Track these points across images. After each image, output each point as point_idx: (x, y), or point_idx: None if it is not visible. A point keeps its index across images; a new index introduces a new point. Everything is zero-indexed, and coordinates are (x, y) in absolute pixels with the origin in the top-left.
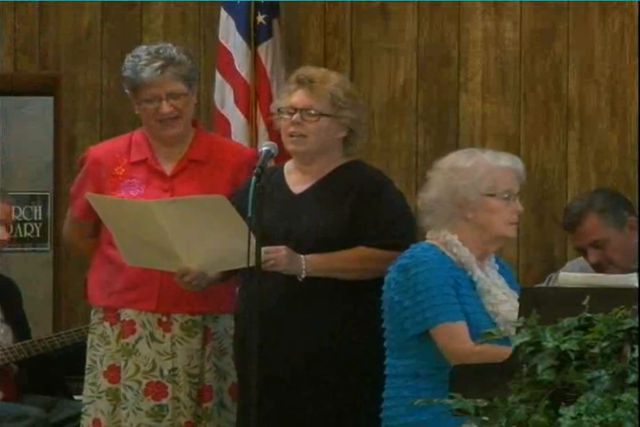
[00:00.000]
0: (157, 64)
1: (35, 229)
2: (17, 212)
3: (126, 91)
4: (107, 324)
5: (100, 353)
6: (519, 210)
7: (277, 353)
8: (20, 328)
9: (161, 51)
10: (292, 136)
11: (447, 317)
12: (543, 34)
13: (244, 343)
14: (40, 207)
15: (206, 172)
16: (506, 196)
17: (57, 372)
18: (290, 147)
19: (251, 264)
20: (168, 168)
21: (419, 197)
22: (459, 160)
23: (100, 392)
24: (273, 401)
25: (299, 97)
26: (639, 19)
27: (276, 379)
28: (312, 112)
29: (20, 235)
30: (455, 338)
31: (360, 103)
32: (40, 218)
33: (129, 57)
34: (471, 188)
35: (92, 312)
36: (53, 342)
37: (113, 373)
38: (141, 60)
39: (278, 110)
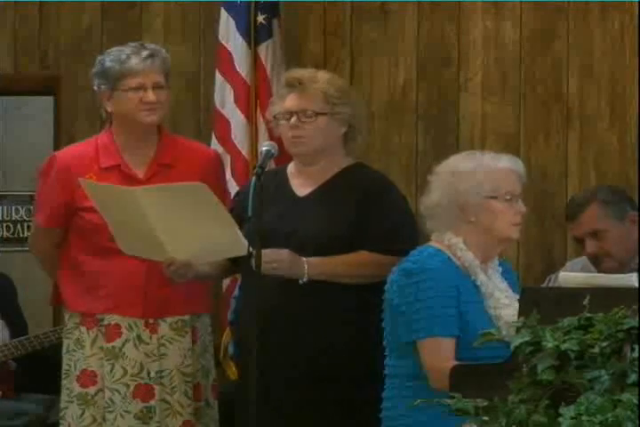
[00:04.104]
0: (145, 53)
1: None
2: (17, 212)
3: (101, 86)
4: (83, 328)
5: (74, 358)
6: (522, 211)
7: (277, 353)
8: (17, 323)
9: (145, 45)
10: (293, 139)
11: (439, 330)
12: (543, 34)
13: (243, 343)
14: None
15: (177, 174)
16: (508, 197)
17: (57, 371)
18: (292, 150)
19: (240, 254)
20: (140, 172)
21: (420, 201)
22: (459, 163)
23: (72, 397)
24: (273, 401)
25: (292, 101)
26: (639, 19)
27: (276, 378)
28: (308, 113)
29: (20, 235)
30: (439, 355)
31: (354, 98)
32: None
33: (106, 53)
34: (472, 191)
35: (67, 317)
36: (49, 337)
37: (85, 377)
38: (126, 51)
39: (275, 117)
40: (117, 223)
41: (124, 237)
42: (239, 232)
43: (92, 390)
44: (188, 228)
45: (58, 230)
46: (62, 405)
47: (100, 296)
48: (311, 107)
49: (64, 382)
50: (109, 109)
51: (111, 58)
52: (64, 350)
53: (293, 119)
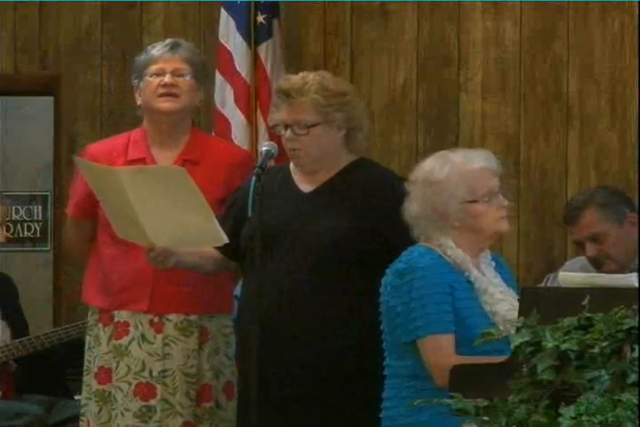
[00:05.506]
0: (168, 42)
1: (35, 229)
2: (17, 212)
3: (135, 80)
4: (100, 325)
5: (94, 354)
6: (504, 204)
7: (277, 352)
8: (18, 324)
9: (176, 40)
10: (291, 152)
11: (437, 328)
12: (543, 34)
13: (244, 342)
14: (40, 207)
15: (201, 171)
16: (486, 199)
17: (57, 372)
18: (293, 161)
19: (218, 244)
20: None
21: (403, 209)
22: (432, 171)
23: (91, 394)
24: (272, 400)
25: (284, 113)
26: (639, 19)
27: (276, 378)
28: (301, 125)
29: (20, 235)
30: (440, 351)
31: (349, 97)
32: (40, 218)
33: None
34: (450, 199)
35: (89, 313)
36: (50, 337)
37: (102, 374)
38: (154, 44)
39: (274, 126)
40: (110, 206)
41: (117, 220)
42: (216, 222)
43: (108, 387)
44: (166, 213)
45: (85, 223)
46: (82, 402)
47: (112, 291)
48: (303, 119)
49: (85, 378)
50: (139, 102)
51: (143, 52)
52: (86, 346)
53: (288, 132)
